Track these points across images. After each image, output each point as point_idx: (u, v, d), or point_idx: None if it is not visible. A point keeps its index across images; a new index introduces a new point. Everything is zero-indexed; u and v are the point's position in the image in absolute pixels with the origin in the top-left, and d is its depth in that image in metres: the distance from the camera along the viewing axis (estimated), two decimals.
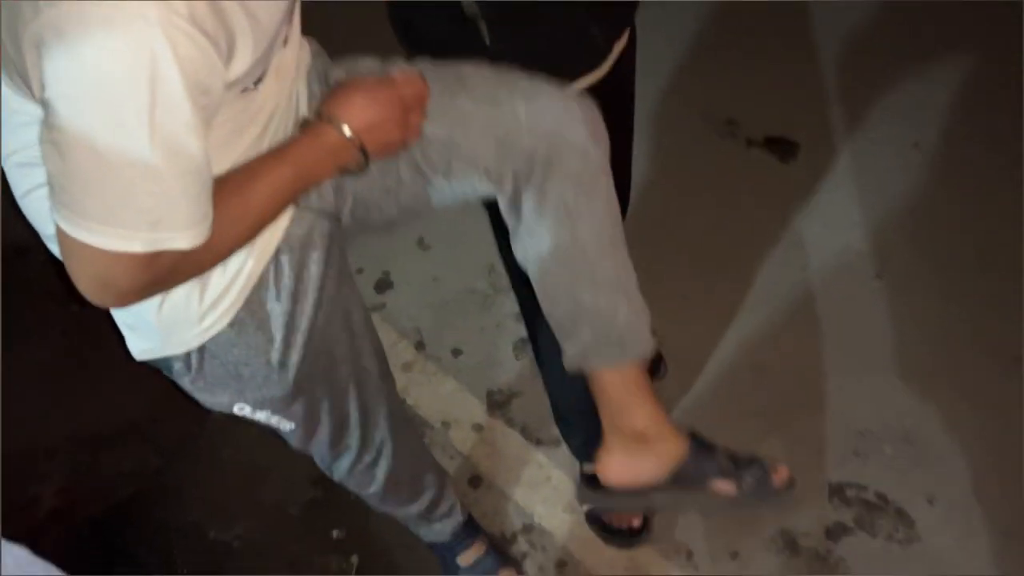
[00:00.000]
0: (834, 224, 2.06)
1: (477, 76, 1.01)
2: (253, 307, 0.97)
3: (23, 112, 0.81)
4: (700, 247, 2.03)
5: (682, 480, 1.10)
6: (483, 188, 1.03)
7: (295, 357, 1.01)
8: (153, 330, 0.94)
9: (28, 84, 0.75)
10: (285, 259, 0.97)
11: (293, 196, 0.91)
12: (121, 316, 0.97)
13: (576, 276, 1.03)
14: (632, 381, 1.09)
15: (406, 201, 1.06)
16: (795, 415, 1.75)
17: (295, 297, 0.99)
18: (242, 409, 1.05)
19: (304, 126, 0.93)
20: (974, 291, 1.90)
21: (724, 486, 1.10)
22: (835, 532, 1.60)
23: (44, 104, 0.71)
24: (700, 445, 1.11)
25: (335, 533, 1.66)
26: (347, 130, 0.90)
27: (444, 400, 1.83)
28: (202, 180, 0.77)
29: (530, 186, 1.00)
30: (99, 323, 1.89)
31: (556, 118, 0.98)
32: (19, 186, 0.89)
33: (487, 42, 1.09)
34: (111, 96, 0.69)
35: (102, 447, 1.79)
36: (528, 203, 1.02)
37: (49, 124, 0.72)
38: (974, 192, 2.08)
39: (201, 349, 0.97)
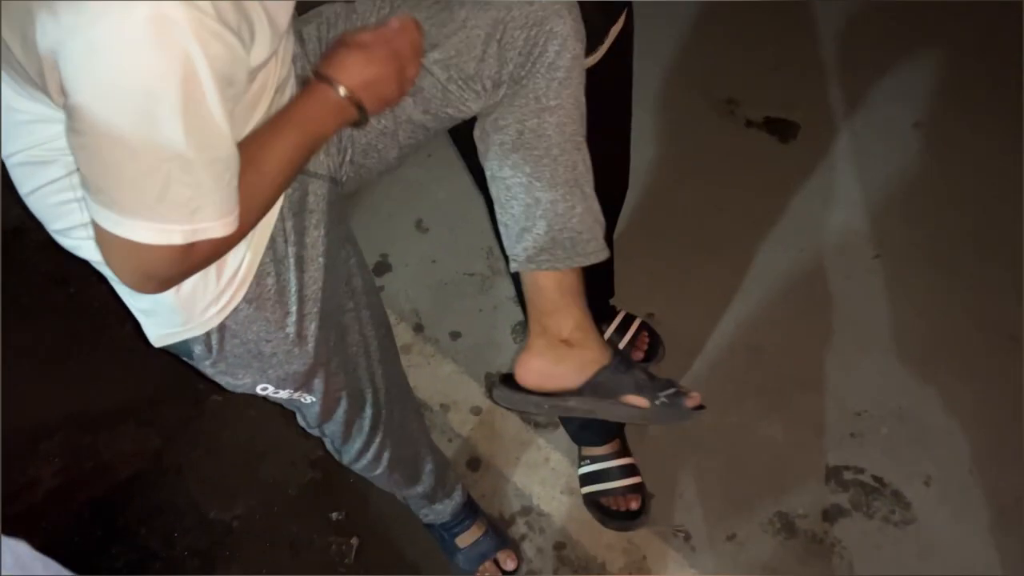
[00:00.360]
0: (833, 204, 2.05)
1: None
2: (266, 279, 0.97)
3: (24, 111, 0.81)
4: (699, 227, 2.02)
5: (598, 389, 1.10)
6: (476, 105, 1.03)
7: (312, 327, 1.02)
8: (173, 313, 0.94)
9: (41, 87, 0.75)
10: (289, 225, 0.98)
11: (304, 159, 0.92)
12: (137, 303, 0.97)
13: (537, 170, 1.02)
14: (569, 286, 1.08)
15: (405, 139, 1.06)
16: (792, 396, 1.76)
17: (301, 264, 1.00)
18: (264, 389, 1.06)
19: (303, 86, 0.93)
20: (972, 271, 1.90)
21: (637, 400, 1.10)
22: (832, 514, 1.61)
23: (69, 109, 0.72)
24: (621, 360, 1.11)
25: (334, 515, 1.67)
26: (344, 90, 0.91)
27: (443, 382, 1.83)
28: (232, 169, 0.78)
29: (514, 80, 1.00)
30: (97, 304, 1.91)
31: (544, 7, 0.97)
32: (23, 185, 0.89)
33: None
34: (145, 98, 0.69)
35: (101, 428, 1.79)
36: (500, 95, 1.01)
37: (77, 129, 0.72)
38: (974, 172, 2.08)
39: (221, 328, 0.97)
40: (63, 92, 0.71)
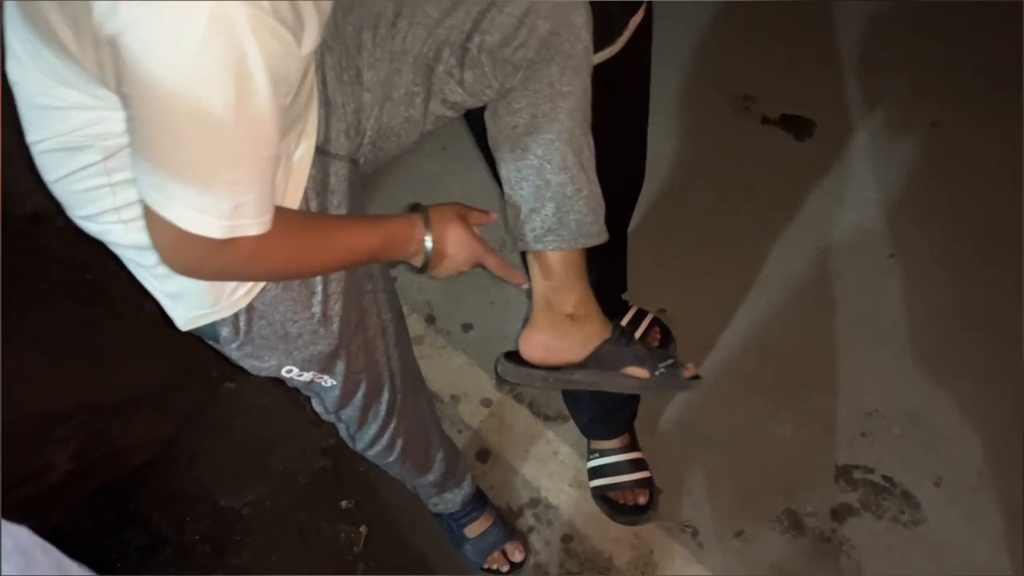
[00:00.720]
0: (848, 202, 2.05)
1: None
2: None
3: (58, 98, 0.82)
4: (712, 223, 2.02)
5: (600, 362, 1.15)
6: (494, 91, 1.05)
7: (336, 307, 1.04)
8: (202, 295, 0.96)
9: (97, 77, 0.76)
10: (313, 205, 1.00)
11: (362, 262, 1.01)
12: (163, 288, 0.98)
13: (548, 152, 1.06)
14: (573, 263, 1.12)
15: (428, 127, 1.10)
16: (804, 395, 1.76)
17: None
18: (289, 371, 1.08)
19: (409, 212, 1.04)
20: (987, 273, 1.89)
21: (638, 371, 1.16)
22: (841, 513, 1.61)
23: (125, 96, 0.74)
24: (621, 333, 1.16)
25: (344, 504, 1.68)
26: (429, 243, 1.02)
27: (454, 374, 1.84)
28: (275, 167, 0.81)
29: (530, 66, 1.03)
30: (113, 291, 1.93)
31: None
32: (52, 171, 0.90)
33: None
34: (200, 93, 0.70)
35: (115, 414, 1.81)
36: (516, 80, 1.04)
37: (133, 115, 0.74)
38: (991, 173, 2.06)
39: (249, 309, 0.99)
40: (118, 80, 0.73)
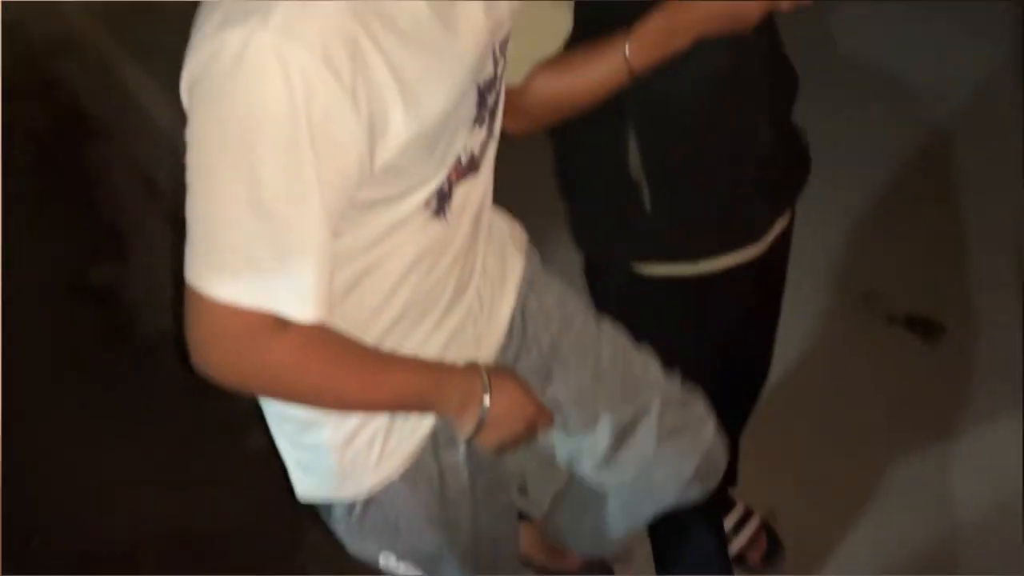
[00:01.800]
0: (981, 416, 1.90)
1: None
2: (425, 459, 0.96)
3: None
4: (830, 425, 1.91)
5: None
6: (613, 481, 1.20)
7: (451, 515, 1.00)
8: (331, 474, 0.94)
9: None
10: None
11: (404, 407, 0.90)
12: (296, 456, 0.97)
13: (615, 520, 1.22)
14: None
15: None
16: None
17: (469, 454, 0.98)
18: (387, 559, 1.03)
19: (468, 365, 0.94)
20: None
21: None
22: None
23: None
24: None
25: None
26: (487, 401, 0.90)
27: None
28: (322, 251, 0.71)
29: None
30: (220, 423, 1.97)
31: (719, 462, 1.16)
32: None
33: (647, 207, 1.10)
34: (240, 135, 0.67)
35: (202, 549, 1.80)
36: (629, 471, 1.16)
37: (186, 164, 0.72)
38: None
39: (368, 500, 0.96)
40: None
